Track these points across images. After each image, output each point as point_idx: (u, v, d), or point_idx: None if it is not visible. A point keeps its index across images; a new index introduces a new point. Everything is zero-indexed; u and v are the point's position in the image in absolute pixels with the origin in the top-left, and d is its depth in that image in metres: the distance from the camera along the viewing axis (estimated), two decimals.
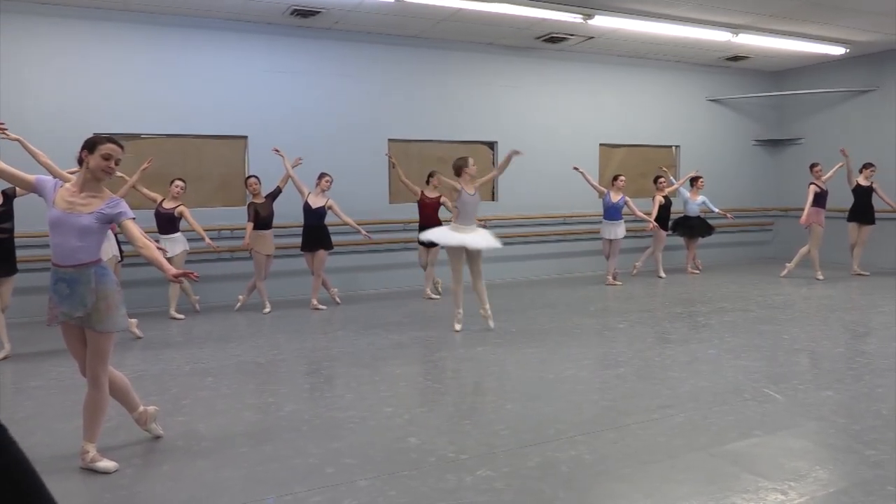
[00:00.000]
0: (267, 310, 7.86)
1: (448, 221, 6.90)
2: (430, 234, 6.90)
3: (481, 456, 3.57)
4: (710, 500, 3.04)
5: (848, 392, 4.59)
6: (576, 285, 9.73)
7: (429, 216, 8.46)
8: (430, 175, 8.54)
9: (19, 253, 6.17)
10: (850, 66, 11.27)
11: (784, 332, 6.49)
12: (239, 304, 8.06)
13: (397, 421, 4.14)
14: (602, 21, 8.55)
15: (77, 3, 7.67)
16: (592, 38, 9.69)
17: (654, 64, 11.34)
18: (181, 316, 7.53)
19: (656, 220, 9.99)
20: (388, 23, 8.78)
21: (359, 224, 8.07)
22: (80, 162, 3.43)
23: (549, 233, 10.62)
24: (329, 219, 8.01)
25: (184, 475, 3.40)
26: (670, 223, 10.45)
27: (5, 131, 4.69)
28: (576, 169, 9.48)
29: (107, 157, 3.38)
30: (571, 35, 9.51)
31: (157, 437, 3.88)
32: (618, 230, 9.58)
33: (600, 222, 9.79)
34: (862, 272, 10.04)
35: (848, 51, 10.48)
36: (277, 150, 7.89)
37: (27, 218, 6.64)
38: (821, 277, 9.68)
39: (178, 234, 7.45)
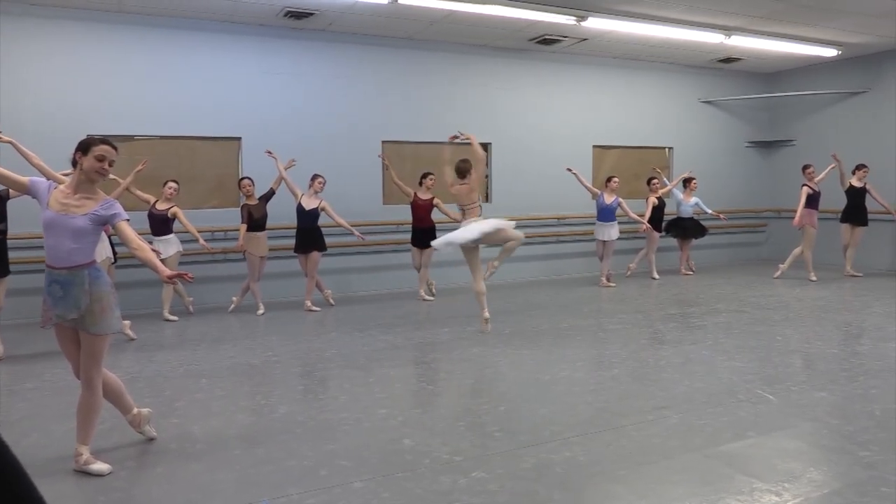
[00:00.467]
0: (261, 311, 7.85)
1: (442, 223, 6.91)
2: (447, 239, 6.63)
3: (476, 457, 3.57)
4: (704, 501, 3.05)
5: (841, 393, 4.61)
6: (570, 287, 9.75)
7: (422, 218, 8.48)
8: (424, 176, 8.55)
9: (12, 254, 6.16)
10: (842, 67, 11.32)
11: (778, 334, 6.51)
12: (233, 305, 8.05)
13: (392, 422, 4.14)
14: (595, 23, 8.56)
15: (71, 5, 7.64)
16: (586, 39, 9.71)
17: (648, 66, 11.38)
18: (175, 318, 7.51)
19: (650, 221, 10.00)
20: (381, 25, 8.78)
21: (352, 225, 8.08)
22: (74, 163, 3.42)
23: (543, 234, 10.63)
24: (322, 220, 8.01)
25: (178, 477, 3.39)
26: (664, 225, 10.49)
27: None
28: (569, 170, 9.48)
29: (100, 159, 3.37)
30: (565, 37, 9.53)
31: (151, 440, 3.87)
32: (611, 232, 9.61)
33: (594, 224, 9.82)
34: (855, 273, 10.09)
35: (840, 52, 10.53)
36: (270, 153, 7.88)
37: (20, 219, 6.61)
38: (814, 279, 9.72)
39: (171, 236, 7.45)
